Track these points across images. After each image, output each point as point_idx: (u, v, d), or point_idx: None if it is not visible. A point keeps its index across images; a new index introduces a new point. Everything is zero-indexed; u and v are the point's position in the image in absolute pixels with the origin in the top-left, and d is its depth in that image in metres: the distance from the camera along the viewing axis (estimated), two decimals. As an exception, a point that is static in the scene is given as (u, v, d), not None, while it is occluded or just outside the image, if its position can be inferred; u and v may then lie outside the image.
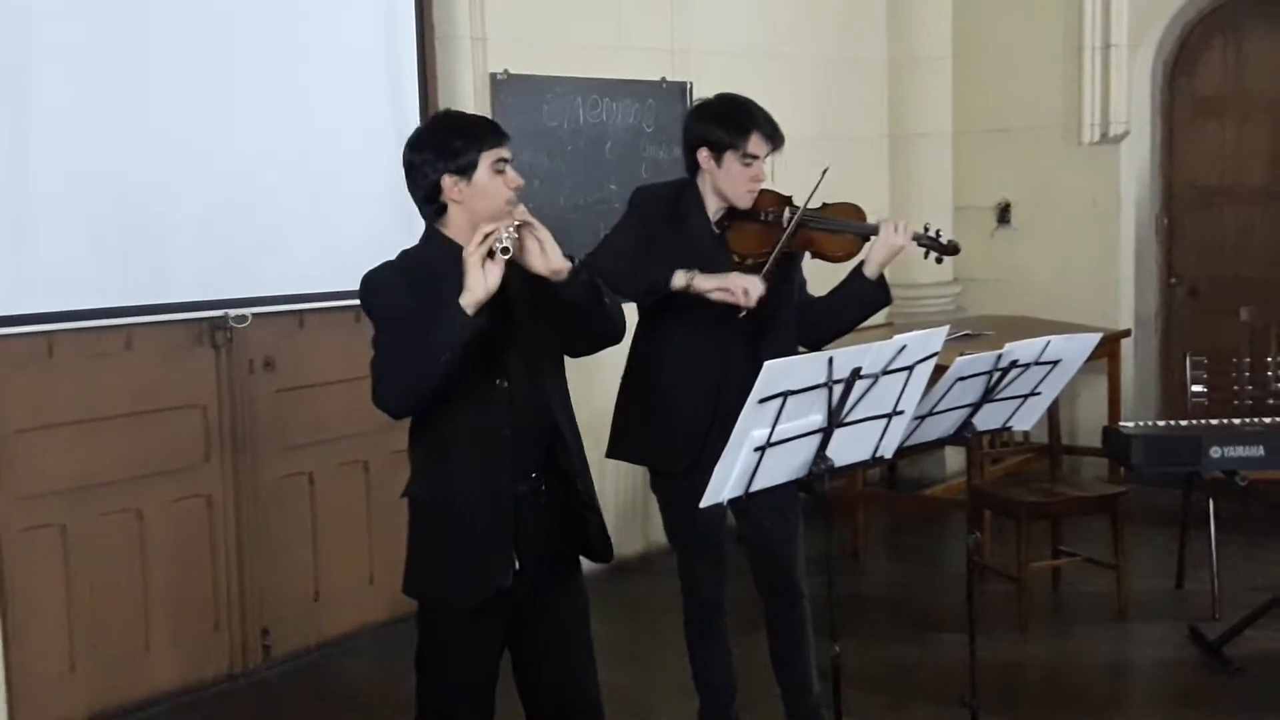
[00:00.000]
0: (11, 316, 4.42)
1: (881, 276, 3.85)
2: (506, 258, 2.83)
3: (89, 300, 4.59)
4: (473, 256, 2.82)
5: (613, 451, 4.04)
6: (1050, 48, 7.76)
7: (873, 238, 3.81)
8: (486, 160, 2.97)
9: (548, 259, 2.91)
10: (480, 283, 2.82)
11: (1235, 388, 6.23)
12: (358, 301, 4.93)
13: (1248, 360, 6.30)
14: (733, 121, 3.79)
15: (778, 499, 3.62)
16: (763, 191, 3.85)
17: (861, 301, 3.91)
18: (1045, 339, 3.65)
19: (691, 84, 6.50)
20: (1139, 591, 5.70)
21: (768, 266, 3.75)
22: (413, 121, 5.54)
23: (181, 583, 4.97)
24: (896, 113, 8.04)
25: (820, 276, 4.03)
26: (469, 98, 5.68)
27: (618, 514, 6.20)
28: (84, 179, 4.56)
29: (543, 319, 3.01)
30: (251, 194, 5.00)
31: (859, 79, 7.83)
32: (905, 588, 6.17)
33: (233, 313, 4.98)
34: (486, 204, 2.98)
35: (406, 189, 3.08)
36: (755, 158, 3.78)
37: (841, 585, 3.66)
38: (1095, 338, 3.86)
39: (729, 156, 3.78)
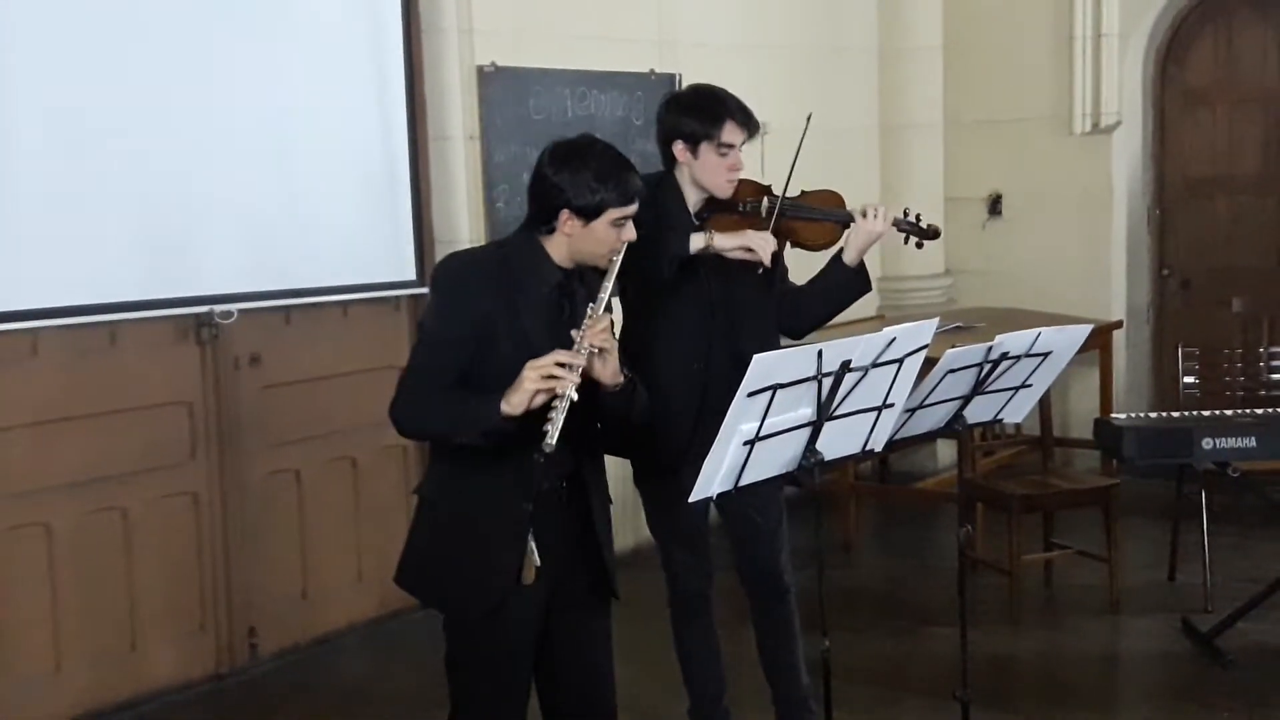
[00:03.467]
0: (-5, 313, 4.39)
1: (861, 264, 3.83)
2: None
3: (73, 297, 4.56)
4: (531, 383, 2.80)
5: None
6: (1041, 38, 7.75)
7: (852, 225, 3.78)
8: (613, 215, 2.96)
9: (607, 374, 2.93)
10: (524, 405, 2.81)
11: (1227, 379, 6.23)
12: (346, 297, 4.94)
13: (1240, 351, 6.30)
14: (706, 112, 3.76)
15: (762, 493, 3.60)
16: (742, 181, 3.83)
17: (841, 289, 3.89)
18: (1036, 330, 3.63)
19: (680, 75, 6.46)
20: (1131, 584, 5.69)
21: (772, 224, 3.73)
22: (399, 114, 5.51)
23: (168, 581, 4.93)
24: (887, 104, 8.02)
25: (803, 264, 4.00)
26: (456, 91, 5.65)
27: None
28: (68, 177, 4.52)
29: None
30: (237, 189, 4.96)
31: (849, 70, 7.80)
32: (897, 581, 6.15)
33: (218, 309, 4.94)
34: (593, 248, 2.99)
35: (527, 189, 3.05)
36: (731, 147, 3.75)
37: (832, 579, 3.62)
38: (1086, 329, 3.84)
39: (704, 147, 3.75)
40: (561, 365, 2.81)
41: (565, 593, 3.10)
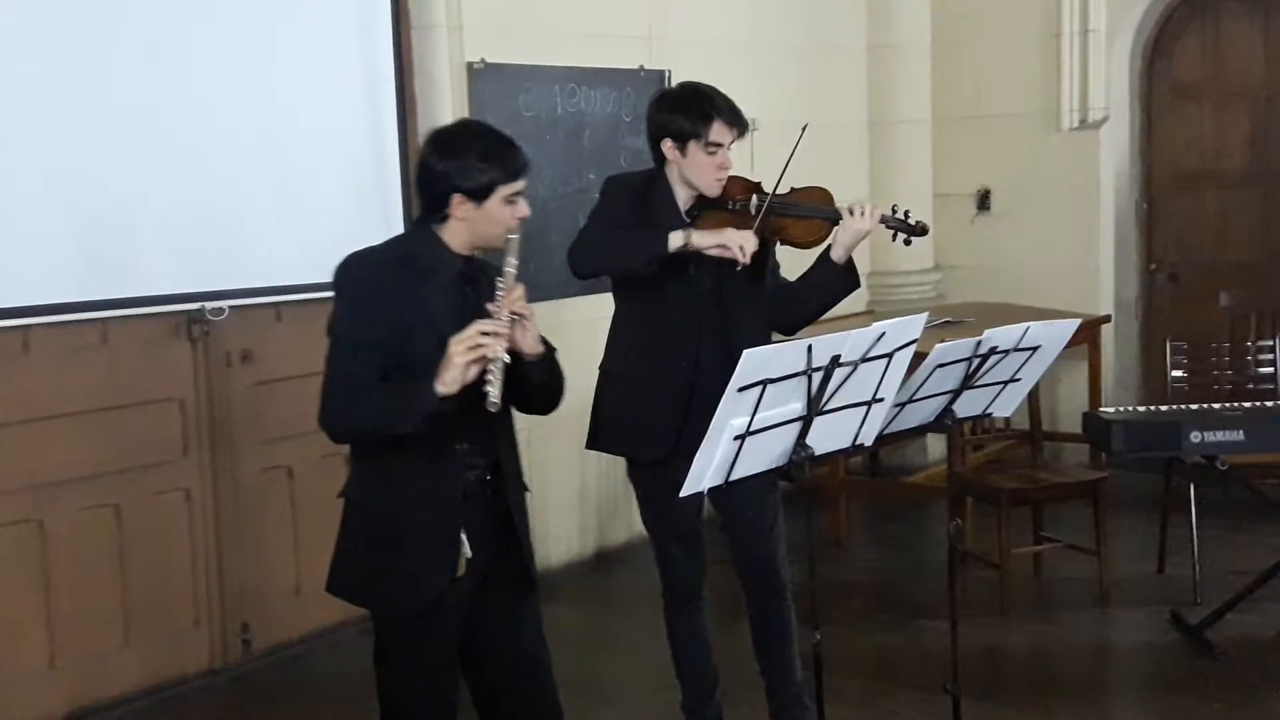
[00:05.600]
0: (-14, 311, 4.39)
1: (850, 261, 3.84)
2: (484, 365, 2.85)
3: (65, 294, 4.56)
4: (461, 356, 2.82)
5: (592, 443, 4.03)
6: (1029, 33, 7.76)
7: (840, 222, 3.79)
8: (503, 191, 2.98)
9: (528, 342, 2.95)
10: (459, 380, 2.82)
11: (1215, 372, 6.26)
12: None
13: (1227, 345, 6.33)
14: (694, 110, 3.76)
15: (757, 489, 3.61)
16: (731, 179, 3.83)
17: (829, 287, 3.90)
18: (1024, 325, 3.65)
19: (669, 72, 6.47)
20: (1121, 576, 5.71)
21: (757, 224, 3.74)
22: (389, 111, 5.52)
23: (160, 577, 4.94)
24: (875, 100, 8.03)
25: (794, 260, 4.01)
26: (446, 87, 5.65)
27: (600, 506, 6.21)
28: (59, 173, 4.52)
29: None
30: (227, 186, 4.96)
31: (837, 66, 7.82)
32: (887, 575, 6.17)
33: (210, 305, 4.94)
34: (489, 229, 3.00)
35: (413, 182, 3.07)
36: (719, 145, 3.76)
37: (823, 573, 3.65)
38: (1074, 323, 3.86)
39: (693, 146, 3.76)
40: (485, 334, 2.83)
41: (491, 582, 3.10)
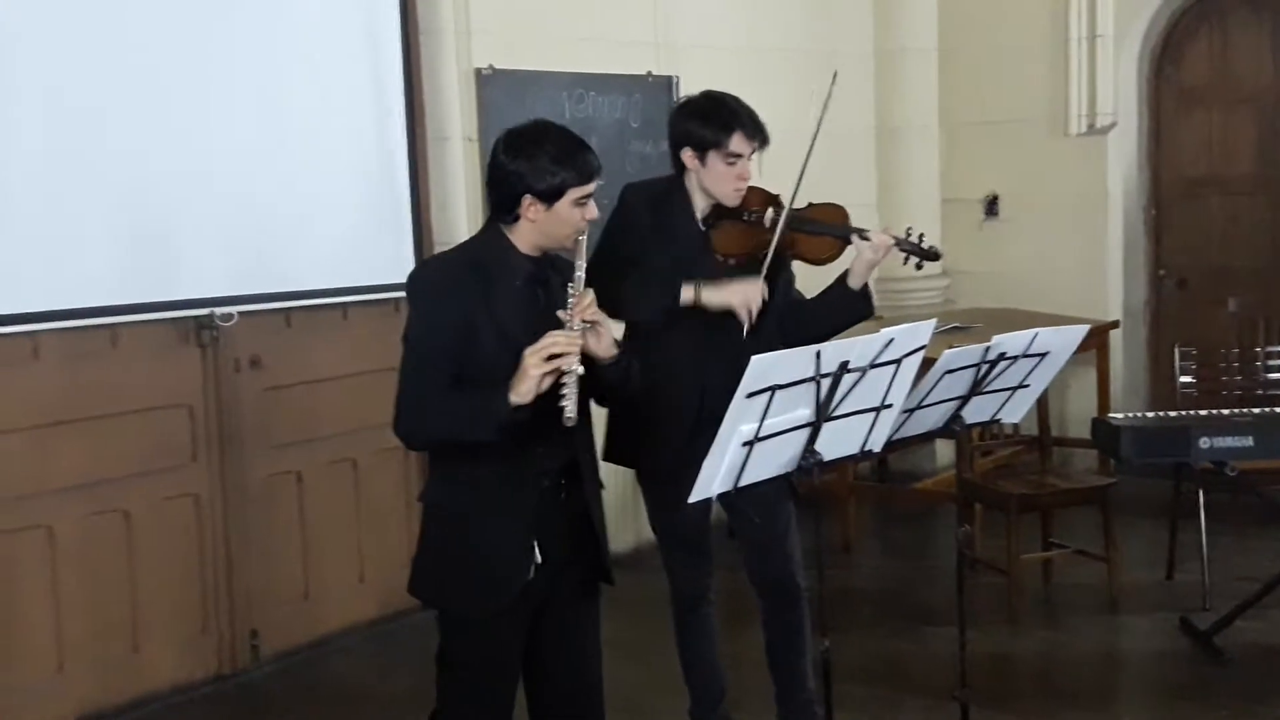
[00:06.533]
0: (-3, 317, 4.40)
1: (865, 287, 3.83)
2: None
3: (75, 300, 4.57)
4: (535, 369, 2.84)
5: (608, 455, 4.03)
6: (1036, 39, 7.76)
7: (855, 242, 3.77)
8: (574, 194, 2.99)
9: (602, 347, 2.98)
10: (533, 392, 2.85)
11: (1224, 378, 6.25)
12: (345, 299, 4.93)
13: (1236, 351, 6.32)
14: (716, 120, 3.76)
15: (768, 495, 3.61)
16: (751, 189, 3.82)
17: (843, 311, 3.89)
18: (1033, 331, 3.64)
19: (677, 78, 6.48)
20: (1130, 583, 5.70)
21: (766, 266, 3.73)
22: (397, 117, 5.53)
23: (170, 583, 4.94)
24: (883, 106, 8.03)
25: (804, 276, 4.01)
26: (454, 93, 5.67)
27: (608, 512, 6.14)
28: (69, 180, 4.53)
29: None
30: (236, 193, 4.97)
31: (845, 72, 7.73)
32: (896, 581, 6.16)
33: (219, 311, 4.95)
34: (558, 230, 3.02)
35: (484, 183, 3.10)
36: (739, 156, 3.75)
37: (832, 579, 3.64)
38: (1083, 329, 3.85)
39: (713, 156, 3.75)
40: (559, 345, 2.85)
41: (560, 586, 3.12)
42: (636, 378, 3.16)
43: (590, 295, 2.94)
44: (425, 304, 3.02)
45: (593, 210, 3.04)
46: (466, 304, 2.96)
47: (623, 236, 3.85)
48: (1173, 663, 5.03)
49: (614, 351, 3.02)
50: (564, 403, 2.85)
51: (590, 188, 3.01)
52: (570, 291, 2.94)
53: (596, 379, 3.00)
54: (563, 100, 6.09)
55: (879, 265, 3.80)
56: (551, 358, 2.85)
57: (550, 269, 3.08)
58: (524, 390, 2.84)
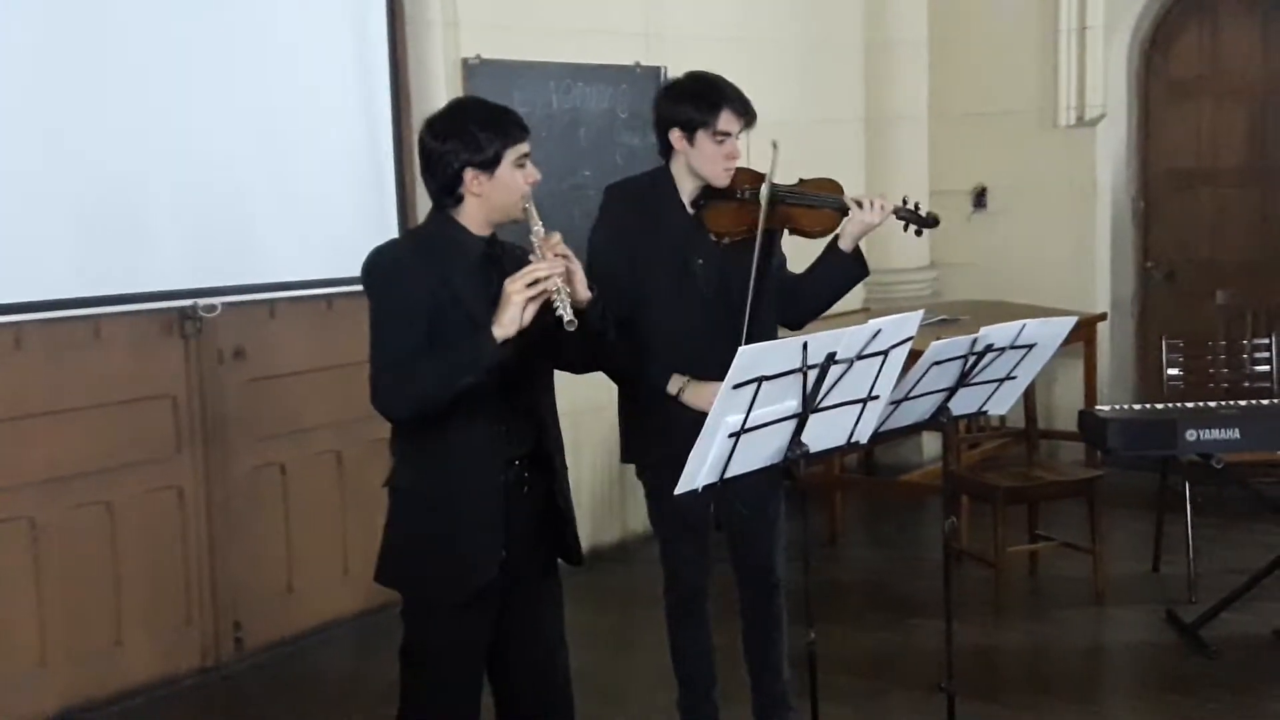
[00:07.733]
0: (-22, 307, 4.37)
1: (857, 249, 3.83)
2: (543, 300, 2.86)
3: (57, 291, 4.54)
4: (518, 295, 2.83)
5: (625, 457, 4.00)
6: (1026, 31, 7.75)
7: (852, 210, 3.77)
8: (511, 155, 2.99)
9: (578, 283, 2.97)
10: (517, 321, 2.84)
11: (1211, 371, 6.26)
12: (330, 290, 4.89)
13: (1223, 343, 6.33)
14: (703, 99, 3.74)
15: (756, 486, 3.59)
16: (739, 169, 3.81)
17: (839, 275, 3.89)
18: (1021, 323, 3.63)
19: (665, 68, 6.45)
20: (1116, 575, 5.71)
21: (764, 212, 3.71)
22: (384, 107, 5.50)
23: (153, 575, 4.92)
24: (873, 97, 8.02)
25: (799, 252, 4.00)
26: (440, 83, 5.64)
27: (594, 504, 6.18)
28: (52, 170, 4.50)
29: (542, 318, 2.97)
30: (220, 183, 4.95)
31: (835, 63, 7.80)
32: (882, 573, 6.16)
33: (202, 302, 4.92)
34: (505, 198, 3.01)
35: (421, 174, 3.08)
36: (728, 135, 3.73)
37: (818, 571, 3.64)
38: (1070, 321, 3.84)
39: (701, 135, 3.73)
40: (540, 270, 2.85)
41: (524, 570, 3.11)
42: (613, 323, 3.15)
43: (557, 235, 2.94)
44: (386, 285, 3.00)
45: (533, 172, 3.04)
46: (426, 283, 2.95)
47: (614, 240, 3.83)
48: (1158, 655, 5.03)
49: (589, 293, 3.00)
50: (559, 312, 2.84)
51: (524, 146, 3.02)
52: (533, 238, 2.92)
53: (581, 331, 2.95)
54: (550, 91, 6.06)
55: (871, 230, 3.78)
56: (534, 283, 2.84)
57: (504, 253, 3.07)
58: (507, 320, 2.83)
